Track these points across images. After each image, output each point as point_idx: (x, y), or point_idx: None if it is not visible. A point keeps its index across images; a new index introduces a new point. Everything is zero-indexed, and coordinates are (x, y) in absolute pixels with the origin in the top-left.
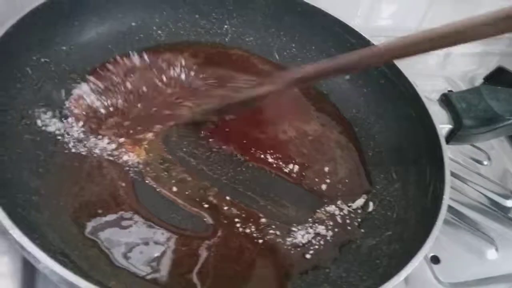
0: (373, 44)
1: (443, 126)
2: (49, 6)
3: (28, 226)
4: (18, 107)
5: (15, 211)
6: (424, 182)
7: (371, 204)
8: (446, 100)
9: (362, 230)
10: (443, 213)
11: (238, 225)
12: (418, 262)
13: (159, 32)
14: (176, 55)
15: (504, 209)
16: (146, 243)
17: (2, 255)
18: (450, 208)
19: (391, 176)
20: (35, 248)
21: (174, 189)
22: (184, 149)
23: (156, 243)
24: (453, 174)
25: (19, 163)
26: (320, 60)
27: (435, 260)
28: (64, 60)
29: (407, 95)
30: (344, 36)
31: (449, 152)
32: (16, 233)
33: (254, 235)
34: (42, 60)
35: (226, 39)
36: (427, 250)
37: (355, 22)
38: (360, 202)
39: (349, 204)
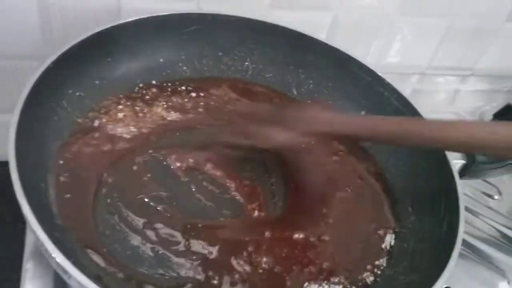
0: (387, 83)
1: (456, 161)
2: (85, 44)
3: (65, 250)
4: (54, 136)
5: (53, 236)
6: (438, 216)
7: (388, 236)
8: None
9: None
10: (458, 246)
11: None
12: None
13: (184, 68)
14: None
15: None
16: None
17: (35, 279)
18: (462, 241)
19: (406, 209)
20: (77, 272)
21: None
22: None
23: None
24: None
25: (53, 190)
26: (335, 96)
27: None
28: (97, 93)
29: None
30: (360, 74)
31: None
32: (59, 257)
33: None
34: (77, 93)
35: (247, 75)
36: (443, 281)
37: (367, 60)
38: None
39: None
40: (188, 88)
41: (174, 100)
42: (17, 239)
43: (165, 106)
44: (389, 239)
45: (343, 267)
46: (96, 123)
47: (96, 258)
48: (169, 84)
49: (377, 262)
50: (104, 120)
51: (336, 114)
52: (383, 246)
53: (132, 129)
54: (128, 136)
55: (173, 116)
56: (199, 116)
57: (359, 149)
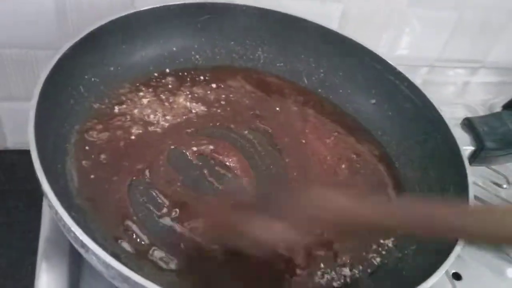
0: (398, 71)
1: (466, 147)
2: (101, 32)
3: (83, 226)
4: (71, 120)
5: (72, 215)
6: (447, 200)
7: None
8: (468, 123)
9: (389, 244)
10: None
11: None
12: (442, 273)
13: (197, 56)
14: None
15: None
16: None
17: (50, 261)
18: None
19: (416, 194)
20: (95, 245)
21: None
22: None
23: None
24: (474, 197)
25: (71, 171)
26: (346, 85)
27: (457, 277)
28: (112, 79)
29: (431, 119)
30: (371, 63)
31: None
32: (78, 231)
33: None
34: (93, 79)
35: (259, 65)
36: (449, 265)
37: (378, 51)
38: None
39: None
40: (206, 78)
41: (197, 91)
42: (31, 225)
43: (189, 96)
44: None
45: (347, 247)
46: (116, 109)
47: (113, 236)
48: (185, 73)
49: (382, 241)
50: (124, 106)
51: (335, 197)
52: None
53: (159, 117)
54: (150, 124)
55: (198, 108)
56: (222, 110)
57: (363, 133)
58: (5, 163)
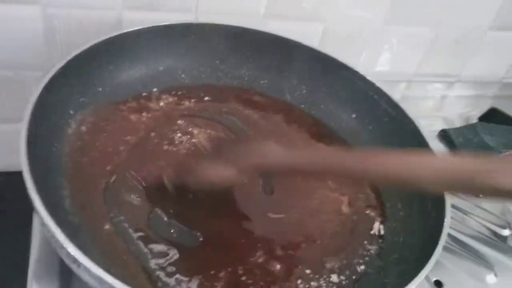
0: (377, 87)
1: None
2: (89, 52)
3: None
4: (62, 140)
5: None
6: (426, 210)
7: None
8: (444, 135)
9: (372, 252)
10: (443, 237)
11: None
12: (421, 278)
13: (183, 75)
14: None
15: (502, 238)
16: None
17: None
18: (452, 238)
19: (396, 205)
20: (89, 261)
21: None
22: None
23: None
24: (455, 207)
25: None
26: (327, 100)
27: (438, 284)
28: (100, 99)
29: (409, 131)
30: (351, 79)
31: None
32: (70, 248)
33: None
34: (81, 99)
35: (243, 82)
36: (429, 268)
37: (358, 68)
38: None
39: None
40: (206, 98)
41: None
42: (18, 246)
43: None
44: (377, 226)
45: (334, 250)
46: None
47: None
48: (179, 92)
49: (368, 246)
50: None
51: (274, 148)
52: (371, 232)
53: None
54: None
55: None
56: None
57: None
58: None
